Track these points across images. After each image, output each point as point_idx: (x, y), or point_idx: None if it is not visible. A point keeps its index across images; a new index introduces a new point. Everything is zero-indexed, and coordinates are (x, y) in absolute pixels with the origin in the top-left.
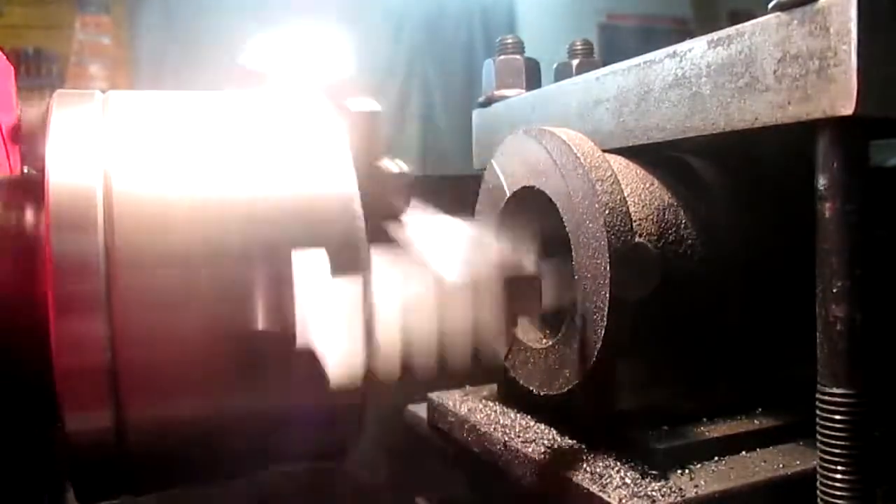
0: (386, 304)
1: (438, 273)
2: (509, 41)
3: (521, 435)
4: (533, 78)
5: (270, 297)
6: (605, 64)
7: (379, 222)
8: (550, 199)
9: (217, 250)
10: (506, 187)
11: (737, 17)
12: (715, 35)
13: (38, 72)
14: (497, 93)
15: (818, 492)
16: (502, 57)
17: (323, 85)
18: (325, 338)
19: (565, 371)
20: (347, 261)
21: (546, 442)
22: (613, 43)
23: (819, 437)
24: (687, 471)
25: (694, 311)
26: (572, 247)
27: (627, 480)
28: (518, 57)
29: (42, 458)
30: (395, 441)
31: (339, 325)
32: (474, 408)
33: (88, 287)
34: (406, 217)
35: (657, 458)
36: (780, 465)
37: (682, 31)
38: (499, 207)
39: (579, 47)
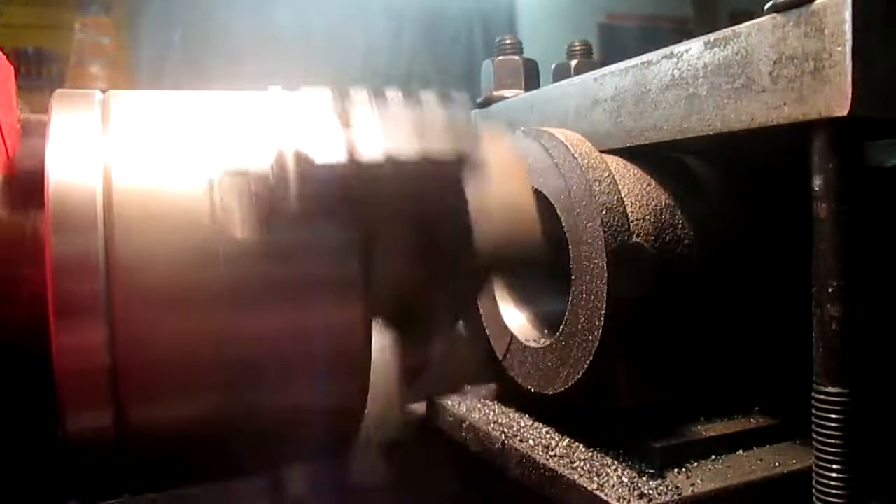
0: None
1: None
2: (508, 42)
3: (520, 434)
4: (531, 78)
5: (271, 297)
6: (604, 64)
7: None
8: (548, 199)
9: (217, 250)
10: None
11: (737, 18)
12: (711, 36)
13: (38, 72)
14: (496, 93)
15: (814, 490)
16: (501, 57)
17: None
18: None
19: (563, 370)
20: (345, 261)
21: (544, 441)
22: (613, 43)
23: (815, 436)
24: (684, 469)
25: (691, 311)
26: (570, 246)
27: (625, 479)
28: (516, 58)
29: (43, 458)
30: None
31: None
32: (473, 407)
33: (88, 287)
34: None
35: (654, 456)
36: (777, 464)
37: (682, 31)
38: None
39: (578, 48)
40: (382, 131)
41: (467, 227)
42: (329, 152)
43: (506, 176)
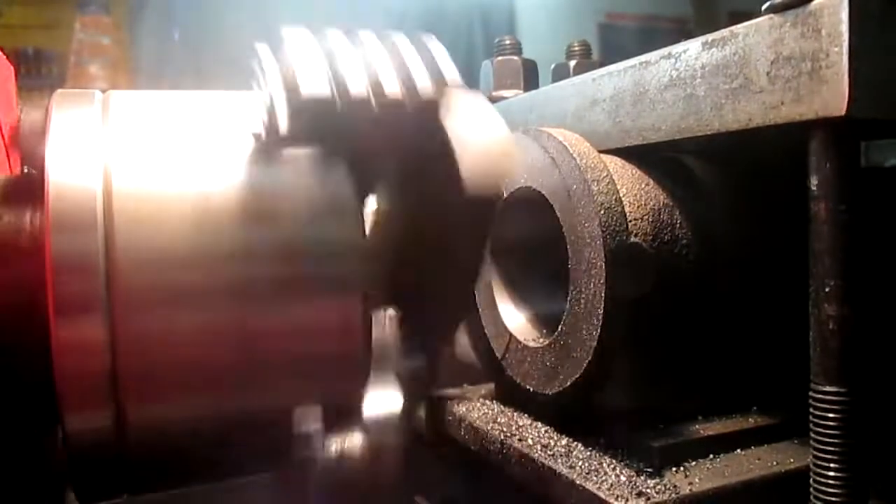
0: None
1: None
2: (507, 42)
3: (518, 433)
4: (531, 78)
5: (270, 297)
6: (603, 64)
7: None
8: (547, 199)
9: (217, 250)
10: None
11: (736, 18)
12: (709, 37)
13: (38, 72)
14: (495, 93)
15: (811, 489)
16: (500, 58)
17: None
18: None
19: (562, 370)
20: (344, 260)
21: (543, 440)
22: (613, 43)
23: (812, 435)
24: (682, 468)
25: (689, 310)
26: (568, 246)
27: (623, 478)
28: (516, 58)
29: (42, 458)
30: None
31: None
32: (472, 406)
33: (88, 287)
34: None
35: (653, 455)
36: (775, 463)
37: (682, 31)
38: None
39: (577, 48)
40: (364, 67)
41: (453, 159)
42: (316, 86)
43: (481, 116)
